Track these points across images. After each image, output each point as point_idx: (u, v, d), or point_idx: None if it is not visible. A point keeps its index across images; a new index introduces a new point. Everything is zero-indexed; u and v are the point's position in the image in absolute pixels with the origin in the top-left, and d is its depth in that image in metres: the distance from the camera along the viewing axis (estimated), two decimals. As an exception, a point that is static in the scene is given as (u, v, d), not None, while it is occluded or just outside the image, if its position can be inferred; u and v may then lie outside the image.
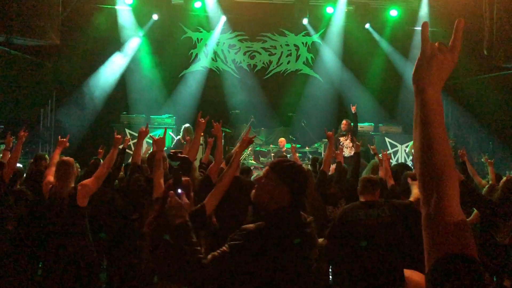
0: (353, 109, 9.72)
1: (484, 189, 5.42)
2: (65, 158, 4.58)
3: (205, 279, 2.04)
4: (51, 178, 4.50)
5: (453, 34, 1.24)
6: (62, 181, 4.36)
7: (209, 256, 2.09)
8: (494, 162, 6.71)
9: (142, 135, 4.97)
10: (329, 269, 5.16)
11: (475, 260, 1.07)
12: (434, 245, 1.10)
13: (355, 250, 3.87)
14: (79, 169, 5.91)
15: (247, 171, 5.88)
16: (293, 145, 7.97)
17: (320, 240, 4.13)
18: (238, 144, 4.30)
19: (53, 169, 4.56)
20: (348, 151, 9.42)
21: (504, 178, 4.88)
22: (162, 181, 3.68)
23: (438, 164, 1.14)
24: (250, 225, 2.24)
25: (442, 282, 1.04)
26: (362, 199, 4.18)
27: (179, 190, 2.24)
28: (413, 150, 1.23)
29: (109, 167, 4.56)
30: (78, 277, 4.17)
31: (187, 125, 9.52)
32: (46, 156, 6.50)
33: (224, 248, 2.14)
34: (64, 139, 5.18)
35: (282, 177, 2.29)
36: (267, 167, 2.42)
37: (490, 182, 5.88)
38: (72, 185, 4.40)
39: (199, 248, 2.11)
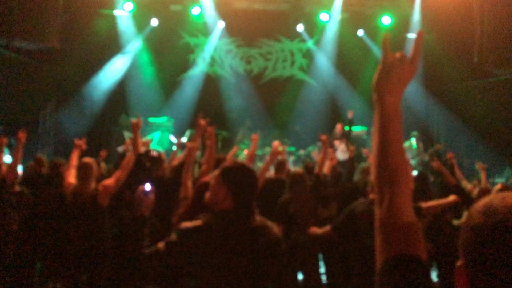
0: (349, 114, 9.92)
1: (475, 192, 5.52)
2: (85, 159, 4.67)
3: (145, 269, 2.09)
4: (72, 179, 4.60)
5: (413, 45, 1.28)
6: (83, 182, 4.48)
7: (149, 250, 2.20)
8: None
9: (135, 127, 4.69)
10: (318, 268, 5.22)
11: (422, 260, 1.09)
12: (384, 246, 1.13)
13: (359, 246, 3.90)
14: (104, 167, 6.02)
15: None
16: (281, 147, 7.73)
17: (320, 229, 4.25)
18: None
19: (72, 171, 4.66)
20: (343, 155, 9.59)
21: (498, 186, 4.92)
22: (190, 182, 3.72)
23: (391, 168, 1.18)
24: (188, 223, 2.24)
25: (389, 281, 1.06)
26: (372, 197, 4.20)
27: (149, 187, 2.50)
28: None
29: (128, 169, 4.58)
30: (92, 273, 4.35)
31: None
32: (45, 158, 6.58)
33: (160, 244, 2.21)
34: (80, 142, 5.27)
35: (225, 179, 2.29)
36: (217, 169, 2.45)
37: (479, 186, 5.95)
38: (93, 185, 4.51)
39: (146, 240, 2.25)
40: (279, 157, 6.16)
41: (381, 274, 1.09)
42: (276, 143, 5.50)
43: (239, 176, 2.32)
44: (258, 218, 2.31)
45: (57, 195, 4.92)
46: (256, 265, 2.20)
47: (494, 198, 0.93)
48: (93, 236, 4.40)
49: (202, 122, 4.46)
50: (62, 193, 4.66)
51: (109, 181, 4.49)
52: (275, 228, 2.32)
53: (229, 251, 2.16)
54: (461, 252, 0.93)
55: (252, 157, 5.51)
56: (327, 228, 4.16)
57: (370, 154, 5.83)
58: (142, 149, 5.32)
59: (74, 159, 4.86)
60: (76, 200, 4.45)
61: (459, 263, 0.93)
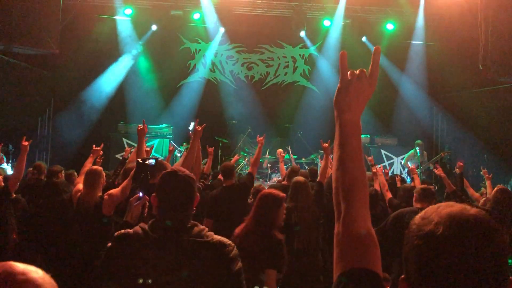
0: None
1: (481, 201, 5.48)
2: (94, 167, 4.64)
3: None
4: (80, 186, 4.57)
5: (371, 61, 1.30)
6: (89, 189, 4.42)
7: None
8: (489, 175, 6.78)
9: (141, 133, 4.77)
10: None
11: (376, 274, 1.08)
12: (339, 260, 1.13)
13: (399, 252, 3.86)
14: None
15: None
16: (283, 154, 7.70)
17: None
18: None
19: (83, 177, 4.63)
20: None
21: (496, 188, 4.95)
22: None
23: (347, 182, 1.19)
24: (129, 229, 2.22)
25: None
26: (418, 205, 4.30)
27: (141, 194, 2.58)
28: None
29: None
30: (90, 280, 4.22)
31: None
32: (44, 165, 6.52)
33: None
34: (98, 148, 5.29)
35: (157, 185, 2.26)
36: None
37: (485, 194, 5.93)
38: (100, 193, 4.44)
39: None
40: (293, 164, 6.22)
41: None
42: (280, 150, 5.49)
43: (160, 183, 2.24)
44: (198, 229, 2.16)
45: (57, 203, 4.85)
46: (188, 274, 2.06)
47: (429, 209, 0.95)
48: (97, 245, 4.27)
49: (199, 128, 4.44)
50: (63, 200, 4.58)
51: (115, 191, 4.40)
52: (217, 243, 2.14)
53: (152, 261, 2.06)
54: (404, 265, 0.94)
55: (256, 162, 5.48)
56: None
57: (374, 166, 5.80)
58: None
59: (88, 165, 4.85)
60: (81, 207, 4.40)
61: (402, 276, 0.94)
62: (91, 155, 5.26)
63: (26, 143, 5.07)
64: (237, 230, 3.49)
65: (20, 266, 0.91)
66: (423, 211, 0.95)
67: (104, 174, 4.69)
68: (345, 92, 1.29)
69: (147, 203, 2.71)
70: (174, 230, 2.14)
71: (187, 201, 2.21)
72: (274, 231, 3.47)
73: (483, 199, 5.55)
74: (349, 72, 1.31)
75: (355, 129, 1.26)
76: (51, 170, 5.93)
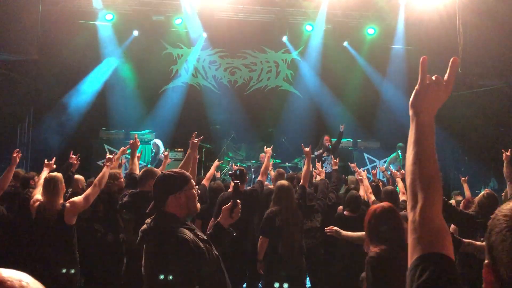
0: (341, 128, 9.90)
1: (461, 204, 5.55)
2: (52, 174, 4.53)
3: None
4: (38, 196, 4.44)
5: (448, 69, 1.42)
6: (49, 198, 4.30)
7: None
8: (469, 177, 6.94)
9: (133, 147, 5.06)
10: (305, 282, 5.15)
11: (450, 258, 1.21)
12: (416, 246, 1.24)
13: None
14: (84, 184, 5.89)
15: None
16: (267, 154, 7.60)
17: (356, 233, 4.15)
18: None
19: (40, 188, 4.51)
20: (330, 167, 9.51)
21: (482, 192, 5.01)
22: None
23: (425, 177, 1.30)
24: None
25: (419, 276, 1.17)
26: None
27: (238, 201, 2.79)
28: (406, 164, 1.40)
29: (101, 186, 4.51)
30: None
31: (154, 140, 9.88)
32: (23, 172, 6.44)
33: None
34: (51, 162, 5.27)
35: None
36: None
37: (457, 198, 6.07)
38: (61, 201, 4.34)
39: None
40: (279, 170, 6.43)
41: (414, 270, 1.20)
42: (263, 154, 5.61)
43: None
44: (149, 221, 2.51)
45: (25, 211, 4.79)
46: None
47: None
48: (59, 253, 4.19)
49: (195, 141, 4.44)
50: (28, 209, 4.51)
51: (78, 199, 4.33)
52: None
53: None
54: (488, 252, 1.03)
55: (265, 171, 5.67)
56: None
57: (356, 167, 5.86)
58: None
59: (43, 178, 4.70)
60: (42, 216, 4.29)
61: (486, 261, 1.03)
62: (44, 168, 5.13)
63: (15, 154, 5.06)
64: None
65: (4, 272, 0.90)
66: (509, 203, 1.04)
67: (62, 181, 4.52)
68: (424, 95, 1.41)
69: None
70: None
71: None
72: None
73: (462, 200, 5.64)
74: (427, 77, 1.42)
75: (430, 129, 1.37)
76: (24, 177, 5.92)
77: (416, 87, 1.42)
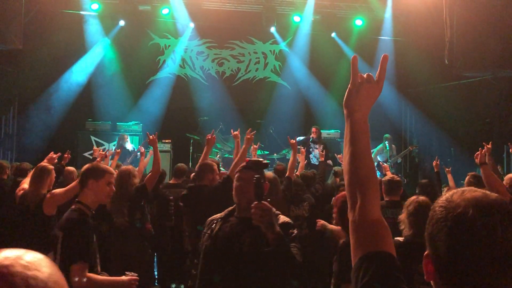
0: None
1: (443, 192, 5.67)
2: (44, 164, 4.57)
3: None
4: (25, 185, 4.47)
5: (379, 66, 1.43)
6: (33, 186, 4.31)
7: None
8: (455, 168, 7.02)
9: (153, 143, 5.05)
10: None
11: (392, 255, 1.23)
12: (358, 247, 1.26)
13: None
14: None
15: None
16: (255, 146, 7.09)
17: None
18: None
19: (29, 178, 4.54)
20: (315, 160, 9.56)
21: (467, 177, 5.13)
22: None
23: (362, 175, 1.32)
24: None
25: (363, 277, 1.19)
26: (387, 198, 4.30)
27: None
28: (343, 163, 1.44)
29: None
30: None
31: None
32: (7, 164, 6.39)
33: None
34: (54, 156, 5.35)
35: None
36: None
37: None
38: (45, 191, 4.33)
39: None
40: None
41: (357, 271, 1.21)
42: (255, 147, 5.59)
43: None
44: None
45: (7, 198, 4.80)
46: None
47: (454, 193, 1.05)
48: (34, 243, 4.16)
49: (209, 136, 5.14)
50: (14, 198, 4.50)
51: (58, 191, 4.32)
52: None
53: None
54: (428, 243, 1.05)
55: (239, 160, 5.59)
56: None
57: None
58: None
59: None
60: (23, 204, 4.31)
61: (426, 252, 1.06)
62: (45, 160, 5.16)
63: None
64: None
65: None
66: (448, 195, 1.05)
67: (53, 172, 4.55)
68: (356, 93, 1.41)
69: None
70: None
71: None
72: None
73: (445, 189, 5.78)
74: (359, 76, 1.43)
75: (365, 127, 1.38)
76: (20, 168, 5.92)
77: (348, 86, 1.43)
